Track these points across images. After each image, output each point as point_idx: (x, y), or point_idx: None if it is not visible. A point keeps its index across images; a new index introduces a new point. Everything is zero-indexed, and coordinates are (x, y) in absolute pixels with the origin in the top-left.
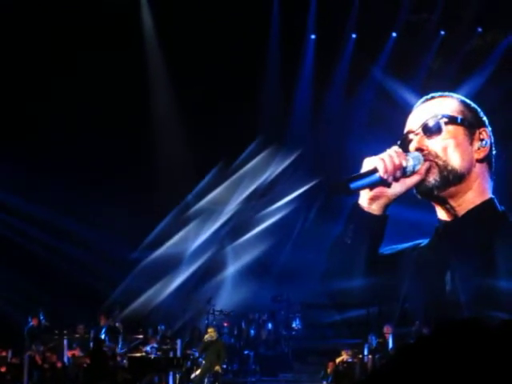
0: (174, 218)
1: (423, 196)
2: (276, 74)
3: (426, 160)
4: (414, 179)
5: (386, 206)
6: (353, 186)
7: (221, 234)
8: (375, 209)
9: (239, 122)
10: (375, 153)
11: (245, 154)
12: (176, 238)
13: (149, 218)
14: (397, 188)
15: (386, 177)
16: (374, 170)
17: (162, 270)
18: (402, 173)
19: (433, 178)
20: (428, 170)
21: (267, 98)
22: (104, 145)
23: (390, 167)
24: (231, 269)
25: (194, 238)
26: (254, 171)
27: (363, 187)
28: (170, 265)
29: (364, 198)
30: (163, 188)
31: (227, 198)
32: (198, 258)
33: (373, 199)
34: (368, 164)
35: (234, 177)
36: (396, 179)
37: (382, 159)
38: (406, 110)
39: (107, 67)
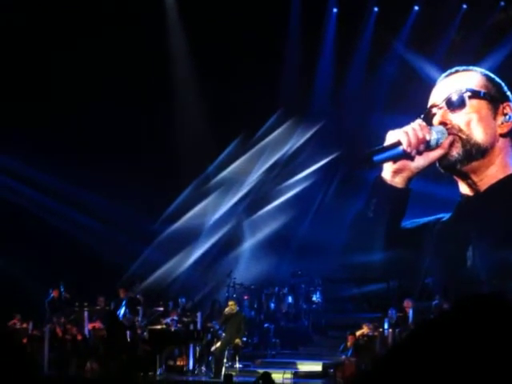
0: (194, 190)
1: (446, 170)
2: (297, 47)
3: (449, 134)
4: (438, 153)
5: (409, 180)
6: (376, 158)
7: (241, 206)
8: (398, 182)
9: (260, 94)
10: (397, 127)
11: (266, 125)
12: (196, 210)
13: (169, 190)
14: (420, 161)
15: (409, 150)
16: (398, 143)
17: (182, 242)
18: (426, 146)
19: (456, 152)
20: (451, 144)
21: (288, 71)
22: (125, 118)
23: (413, 140)
24: (251, 241)
25: (214, 210)
26: (275, 143)
27: (386, 160)
28: (190, 237)
29: (387, 171)
30: (183, 160)
31: (248, 169)
32: (218, 230)
33: (396, 172)
34: (391, 137)
35: (255, 149)
36: (419, 153)
37: (406, 132)
38: (428, 84)
39: (127, 40)
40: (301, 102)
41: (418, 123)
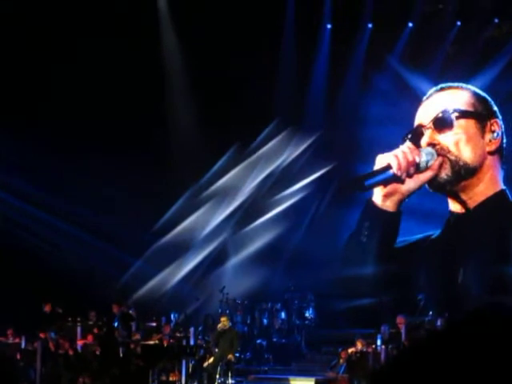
0: (187, 201)
1: (435, 191)
2: (292, 59)
3: (438, 155)
4: (428, 175)
5: (400, 203)
6: (367, 183)
7: (234, 218)
8: (389, 205)
9: (256, 104)
10: (390, 141)
11: (261, 136)
12: (188, 221)
13: (161, 202)
14: (410, 184)
15: (399, 173)
16: (388, 167)
17: (173, 255)
18: (416, 169)
19: (445, 174)
20: (440, 166)
21: (284, 82)
22: (116, 127)
23: (403, 163)
24: (243, 254)
25: (207, 221)
26: (270, 154)
27: (377, 184)
28: (181, 249)
29: (378, 195)
30: (177, 171)
31: (241, 180)
32: (210, 243)
33: (387, 196)
34: (381, 160)
35: (249, 159)
36: (409, 175)
37: (396, 156)
38: (421, 99)
39: (121, 46)
40: (296, 113)
41: (407, 146)
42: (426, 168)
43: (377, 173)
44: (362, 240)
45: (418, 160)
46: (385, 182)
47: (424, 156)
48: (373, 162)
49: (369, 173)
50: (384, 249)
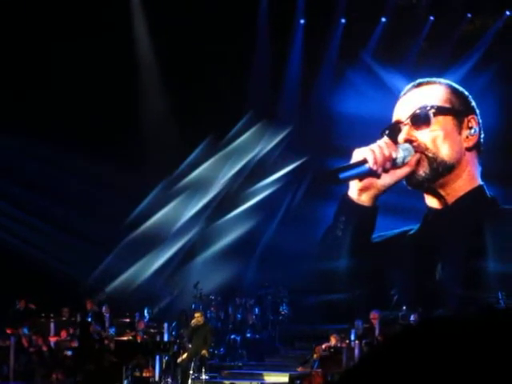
0: (160, 194)
1: (414, 187)
2: (266, 53)
3: (416, 152)
4: (404, 171)
5: (376, 197)
6: (342, 176)
7: (207, 211)
8: (365, 200)
9: (229, 97)
10: (363, 136)
11: (235, 128)
12: (159, 215)
13: (134, 195)
14: (386, 179)
15: (375, 168)
16: (364, 161)
17: (144, 249)
18: (392, 164)
19: (423, 171)
20: (418, 163)
21: (257, 75)
22: (88, 119)
23: (379, 158)
24: (216, 248)
25: (179, 215)
26: (243, 147)
27: (352, 178)
28: (153, 243)
29: (353, 189)
30: (150, 163)
31: (215, 173)
32: (182, 236)
33: (362, 190)
34: (358, 155)
35: (223, 152)
36: (386, 170)
37: (372, 150)
38: (395, 94)
39: (92, 38)
40: (269, 106)
41: (384, 141)
42: (403, 164)
43: (352, 166)
44: (337, 234)
45: (394, 155)
46: (360, 176)
47: (401, 152)
48: (345, 157)
49: (344, 166)
50: (360, 243)
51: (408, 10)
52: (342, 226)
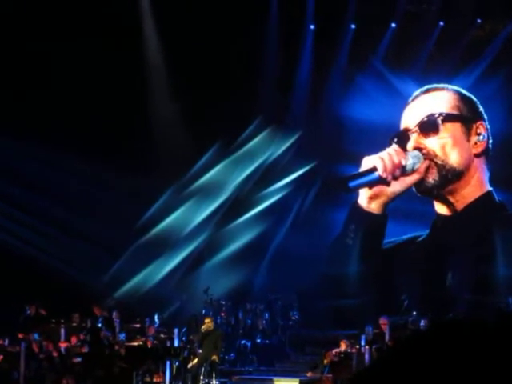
0: (170, 199)
1: (423, 194)
2: (276, 60)
3: (425, 159)
4: (414, 178)
5: (386, 205)
6: (352, 184)
7: (217, 215)
8: (374, 208)
9: (239, 102)
10: (373, 141)
11: (245, 133)
12: (170, 219)
13: (144, 199)
14: (396, 187)
15: (385, 175)
16: (373, 169)
17: (155, 253)
18: (402, 171)
19: (432, 178)
20: (427, 170)
21: (267, 80)
22: (99, 124)
23: (389, 166)
24: (225, 253)
25: (189, 219)
26: (253, 151)
27: (362, 186)
28: (164, 247)
29: (363, 197)
30: (160, 168)
31: (225, 178)
32: (193, 241)
33: (372, 198)
34: (367, 162)
35: (233, 157)
36: (395, 178)
37: (381, 158)
38: (405, 100)
39: (102, 44)
40: (279, 111)
41: (393, 148)
42: (413, 171)
43: (362, 174)
44: (348, 243)
45: (404, 163)
46: (370, 184)
47: (410, 159)
48: (355, 162)
49: (353, 174)
50: (370, 251)
51: (418, 15)
52: (352, 235)
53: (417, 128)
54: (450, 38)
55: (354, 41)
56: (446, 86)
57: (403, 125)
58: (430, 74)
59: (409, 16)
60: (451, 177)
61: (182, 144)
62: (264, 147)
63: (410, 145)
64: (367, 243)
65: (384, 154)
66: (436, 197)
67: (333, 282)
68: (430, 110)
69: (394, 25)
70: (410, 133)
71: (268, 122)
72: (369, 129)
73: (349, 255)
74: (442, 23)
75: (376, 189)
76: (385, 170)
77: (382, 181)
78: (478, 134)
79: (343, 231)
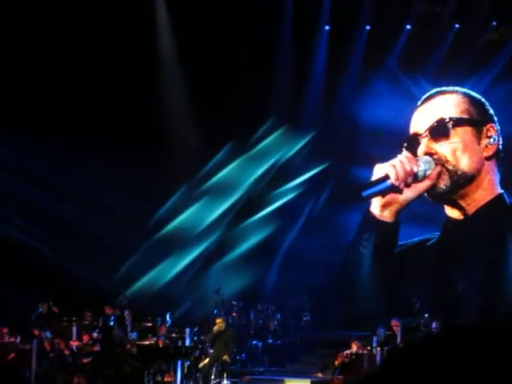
0: (182, 198)
1: (434, 200)
2: (290, 60)
3: (436, 164)
4: (425, 184)
5: (398, 213)
6: (365, 193)
7: (229, 214)
8: (387, 216)
9: (252, 102)
10: (386, 143)
11: (258, 133)
12: (182, 218)
13: (156, 198)
14: (408, 194)
15: (397, 183)
16: (386, 177)
17: (167, 252)
18: (414, 178)
19: (444, 184)
20: (439, 176)
21: (281, 82)
22: (113, 124)
23: (401, 174)
24: (237, 252)
25: (201, 218)
26: (266, 151)
27: (375, 195)
28: (175, 246)
29: (376, 206)
30: (173, 167)
31: (237, 177)
32: (204, 240)
33: (384, 206)
34: (379, 170)
35: (245, 156)
36: (407, 185)
37: (393, 166)
38: (418, 102)
39: (118, 44)
40: (293, 111)
41: (404, 155)
42: (424, 177)
43: (374, 183)
44: (361, 251)
45: (415, 169)
46: (383, 193)
47: (422, 165)
48: (368, 163)
49: (366, 183)
50: (383, 259)
51: (433, 17)
52: (366, 243)
53: (427, 133)
54: (465, 41)
55: (368, 42)
56: (455, 88)
57: (413, 129)
58: (444, 76)
59: (424, 18)
60: (463, 182)
61: (195, 143)
62: (277, 147)
63: (420, 150)
64: (381, 251)
65: (396, 161)
66: (447, 202)
67: (345, 285)
68: (440, 114)
69: (408, 26)
70: (420, 137)
71: (282, 121)
72: (382, 130)
73: (362, 263)
74: (457, 25)
75: (388, 197)
76: (397, 177)
77: (395, 189)
78: (489, 137)
79: (356, 239)
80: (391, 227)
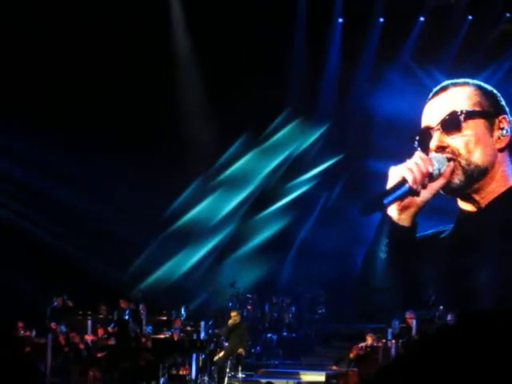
0: (196, 190)
1: (449, 194)
2: (304, 52)
3: (449, 160)
4: (440, 182)
5: (416, 215)
6: (386, 200)
7: (243, 206)
8: (405, 218)
9: (267, 94)
10: (400, 135)
11: (273, 125)
12: (196, 210)
13: (170, 191)
14: (425, 195)
15: (415, 187)
16: (404, 181)
17: (182, 244)
18: (429, 178)
19: (458, 179)
20: (452, 172)
21: (296, 72)
22: (127, 115)
23: (418, 176)
24: (251, 244)
25: (216, 210)
26: (281, 143)
27: (395, 200)
28: (189, 239)
29: (393, 209)
30: (187, 159)
31: (252, 169)
32: (219, 233)
33: (402, 210)
34: (394, 173)
35: (260, 148)
36: (424, 186)
37: (410, 169)
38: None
39: (131, 39)
40: (307, 103)
41: (419, 156)
42: (438, 175)
43: (393, 189)
44: (381, 257)
45: (431, 170)
46: (402, 197)
47: (436, 164)
48: (382, 156)
49: (386, 190)
50: (403, 261)
51: (446, 9)
52: (385, 248)
53: (439, 126)
54: (479, 32)
55: (382, 35)
56: (466, 80)
57: (424, 122)
58: (457, 68)
59: (437, 10)
60: (476, 175)
61: (209, 136)
62: (292, 139)
63: (432, 144)
64: (400, 254)
65: (411, 164)
66: (461, 196)
67: (360, 278)
68: (452, 107)
69: (422, 19)
70: (432, 131)
71: (296, 113)
72: (396, 122)
73: (382, 266)
74: (470, 17)
75: (406, 200)
76: (415, 181)
77: (413, 192)
78: (501, 129)
79: (375, 244)
80: (410, 231)
